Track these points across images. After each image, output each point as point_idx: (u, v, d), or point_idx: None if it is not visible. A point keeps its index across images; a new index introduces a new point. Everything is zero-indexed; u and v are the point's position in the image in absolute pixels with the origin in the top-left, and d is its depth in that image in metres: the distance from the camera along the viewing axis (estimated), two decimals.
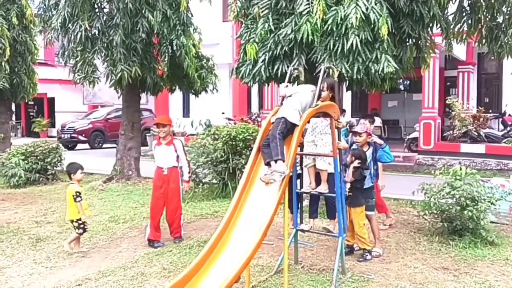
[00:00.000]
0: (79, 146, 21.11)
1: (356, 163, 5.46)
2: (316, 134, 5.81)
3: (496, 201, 6.38)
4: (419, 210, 6.80)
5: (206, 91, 12.27)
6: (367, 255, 5.59)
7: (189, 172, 6.69)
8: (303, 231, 5.54)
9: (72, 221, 6.03)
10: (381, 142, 5.91)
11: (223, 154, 9.14)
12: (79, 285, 4.85)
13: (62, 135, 20.77)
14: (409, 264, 5.44)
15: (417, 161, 14.01)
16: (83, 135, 20.83)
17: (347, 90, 9.34)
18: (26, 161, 10.91)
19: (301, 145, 5.36)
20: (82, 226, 6.03)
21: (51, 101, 27.52)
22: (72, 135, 20.75)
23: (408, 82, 18.98)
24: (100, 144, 21.16)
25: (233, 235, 4.24)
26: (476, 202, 6.09)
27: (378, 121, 16.71)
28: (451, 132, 14.30)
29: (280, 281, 4.81)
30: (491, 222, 6.71)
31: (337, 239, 5.10)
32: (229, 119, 18.29)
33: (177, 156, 6.47)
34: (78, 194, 5.94)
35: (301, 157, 5.55)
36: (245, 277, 4.54)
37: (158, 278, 5.03)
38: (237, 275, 3.72)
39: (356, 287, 4.73)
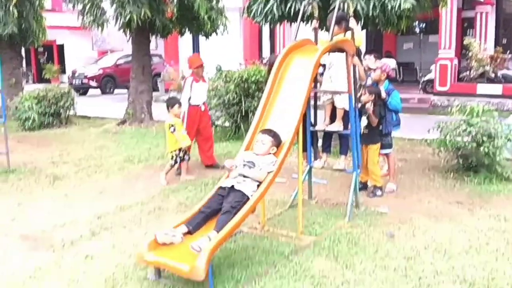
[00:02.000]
0: (91, 92, 21.14)
1: (369, 103, 5.33)
2: (333, 71, 5.67)
3: None
4: (434, 148, 6.74)
5: (216, 33, 12.04)
6: (377, 191, 5.60)
7: None
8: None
9: (171, 152, 6.37)
10: (384, 95, 5.68)
11: (235, 96, 9.07)
12: (98, 218, 4.94)
13: (73, 81, 20.76)
14: (424, 199, 5.46)
15: (432, 103, 13.82)
16: (94, 80, 20.80)
17: (362, 29, 9.08)
18: (39, 105, 10.96)
19: (315, 82, 5.27)
20: (178, 157, 6.35)
21: (61, 47, 27.34)
22: (83, 81, 20.73)
23: (424, 24, 18.46)
24: (111, 90, 21.14)
25: None
26: (493, 138, 6.01)
27: (392, 63, 16.38)
28: (467, 73, 14.01)
29: (294, 214, 4.85)
30: (507, 159, 6.64)
31: (351, 176, 5.10)
32: (240, 63, 18.04)
33: None
34: (172, 126, 6.24)
35: (316, 94, 5.46)
36: (260, 211, 4.59)
37: (175, 213, 5.11)
38: (252, 207, 3.75)
39: (370, 220, 4.76)
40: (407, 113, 12.55)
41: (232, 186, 3.82)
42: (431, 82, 14.45)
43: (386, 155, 5.89)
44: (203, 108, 6.93)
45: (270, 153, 4.07)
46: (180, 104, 6.45)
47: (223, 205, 3.73)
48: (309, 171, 5.49)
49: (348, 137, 5.57)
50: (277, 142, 4.12)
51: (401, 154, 7.72)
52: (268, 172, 3.86)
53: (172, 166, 6.41)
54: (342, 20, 4.97)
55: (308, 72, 4.54)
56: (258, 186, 3.84)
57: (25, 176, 6.79)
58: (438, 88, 14.02)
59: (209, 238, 3.41)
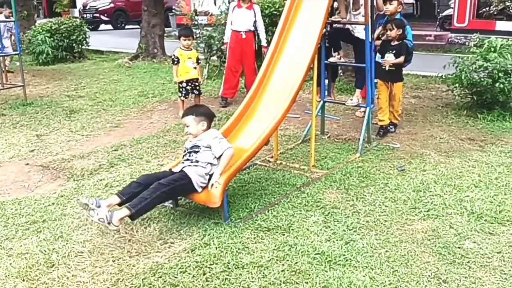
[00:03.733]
0: (102, 26, 20.87)
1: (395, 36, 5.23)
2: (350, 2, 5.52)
3: None
4: (449, 84, 6.68)
5: None
6: (391, 128, 5.61)
7: (266, 39, 6.95)
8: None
9: (177, 84, 6.44)
10: None
11: None
12: (115, 150, 5.08)
13: (84, 15, 20.45)
14: (435, 135, 5.48)
15: (449, 40, 13.48)
16: (105, 14, 20.48)
17: None
18: (52, 39, 10.91)
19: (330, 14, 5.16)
20: (184, 89, 6.33)
21: None
22: (94, 14, 20.43)
23: None
24: (123, 25, 20.85)
25: (262, 102, 4.30)
26: (510, 74, 5.93)
27: None
28: (487, 9, 13.52)
29: (307, 149, 4.94)
30: None
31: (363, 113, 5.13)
32: None
33: (255, 21, 6.79)
34: (175, 57, 6.27)
35: (331, 24, 5.35)
36: (273, 145, 4.68)
37: None
38: (267, 136, 3.83)
39: (381, 155, 4.83)
40: (423, 51, 12.43)
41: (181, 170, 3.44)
42: (449, 18, 14.00)
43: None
44: (244, 36, 6.77)
45: (205, 130, 3.61)
46: (186, 36, 6.29)
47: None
48: (323, 106, 5.51)
49: (364, 70, 5.48)
50: (200, 113, 3.63)
51: (415, 91, 7.68)
52: (225, 150, 3.44)
53: (181, 99, 6.42)
54: None
55: (323, 5, 4.47)
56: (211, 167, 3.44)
57: (42, 109, 6.90)
58: (456, 24, 13.60)
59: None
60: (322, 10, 4.49)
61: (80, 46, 11.54)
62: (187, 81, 6.32)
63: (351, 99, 6.13)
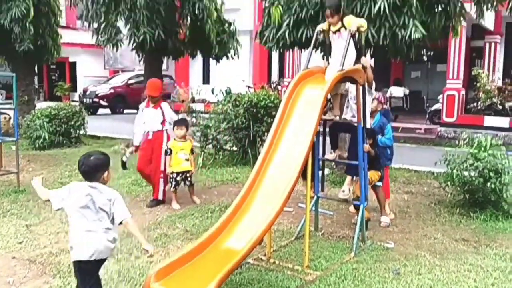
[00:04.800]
0: (101, 111, 21.32)
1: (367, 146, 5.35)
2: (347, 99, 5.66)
3: None
4: (441, 181, 6.75)
5: (227, 57, 12.21)
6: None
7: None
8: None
9: (169, 174, 6.44)
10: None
11: (244, 120, 9.13)
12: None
13: (84, 100, 20.95)
14: (429, 235, 5.45)
15: (438, 134, 13.83)
16: (105, 100, 20.97)
17: (371, 57, 9.19)
18: (50, 124, 11.07)
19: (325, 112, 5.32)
20: (174, 179, 6.39)
21: (73, 65, 27.69)
22: (94, 99, 20.91)
23: (432, 52, 18.54)
24: (122, 110, 21.32)
25: (256, 199, 4.29)
26: (500, 174, 6.02)
27: (400, 91, 16.45)
28: (475, 104, 14.04)
29: (300, 246, 4.87)
30: None
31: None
32: (248, 87, 18.21)
33: (163, 120, 6.46)
34: (168, 148, 6.38)
35: (325, 122, 5.49)
36: (266, 242, 4.61)
37: (181, 240, 5.14)
38: (259, 237, 3.78)
39: (375, 255, 4.76)
40: (413, 144, 12.71)
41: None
42: (438, 112, 14.47)
43: (375, 188, 5.77)
44: (151, 136, 6.45)
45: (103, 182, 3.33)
46: (179, 125, 6.38)
47: None
48: (316, 202, 5.51)
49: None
50: (96, 166, 3.29)
51: (407, 186, 7.73)
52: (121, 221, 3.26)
53: (171, 190, 6.43)
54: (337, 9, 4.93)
55: (318, 103, 4.61)
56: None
57: (34, 196, 6.81)
58: (445, 118, 14.04)
59: None
60: (317, 108, 4.62)
61: (78, 131, 11.69)
62: (177, 173, 6.37)
63: (343, 190, 6.13)
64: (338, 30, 4.85)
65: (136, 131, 6.72)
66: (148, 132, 6.50)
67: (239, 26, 13.14)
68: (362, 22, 4.83)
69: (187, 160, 6.40)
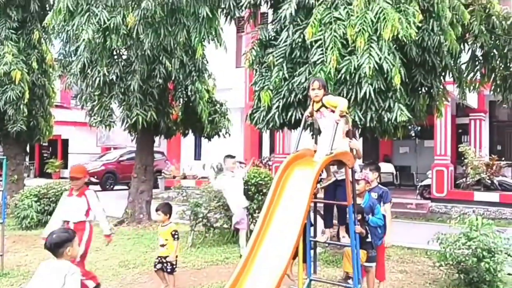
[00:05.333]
0: (90, 187, 21.12)
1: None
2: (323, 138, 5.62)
3: None
4: (434, 260, 6.67)
5: (218, 135, 12.41)
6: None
7: (108, 225, 6.21)
8: (315, 281, 5.41)
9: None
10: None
11: None
12: None
13: None
14: None
15: (430, 209, 13.83)
16: (95, 177, 20.91)
17: (360, 137, 9.40)
18: (38, 203, 10.96)
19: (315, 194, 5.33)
20: (159, 263, 6.19)
21: (65, 142, 27.87)
22: None
23: (420, 128, 19.00)
24: (112, 186, 21.24)
25: (247, 283, 4.19)
26: (493, 253, 5.99)
27: (390, 168, 16.68)
28: (464, 179, 14.19)
29: None
30: (508, 274, 6.55)
31: None
32: (240, 162, 18.34)
33: (88, 210, 5.78)
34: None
35: (315, 204, 5.51)
36: None
37: None
38: None
39: None
40: (405, 219, 12.65)
41: None
42: (428, 187, 14.57)
43: (367, 269, 5.67)
44: (71, 227, 5.45)
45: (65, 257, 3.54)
46: (157, 210, 6.18)
47: None
48: (309, 285, 5.38)
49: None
50: (57, 243, 3.53)
51: (401, 265, 7.61)
52: None
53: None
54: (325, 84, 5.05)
55: (308, 185, 4.64)
56: None
57: (17, 280, 6.63)
58: (435, 194, 14.12)
59: None
60: (307, 190, 4.64)
61: None
62: (158, 257, 6.22)
63: (323, 233, 5.82)
64: (319, 109, 4.97)
65: (52, 222, 5.92)
66: (68, 222, 5.70)
67: (231, 104, 13.51)
68: (341, 102, 4.90)
69: (163, 245, 6.12)
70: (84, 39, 8.40)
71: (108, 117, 10.48)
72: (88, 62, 9.83)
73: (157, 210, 6.29)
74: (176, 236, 6.09)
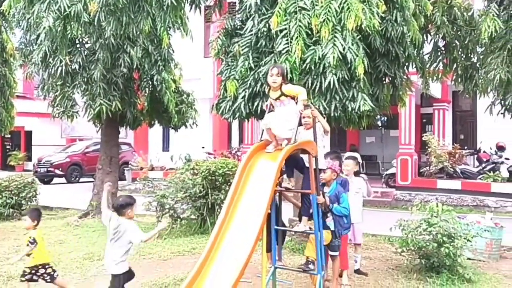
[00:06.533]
0: (56, 180, 20.79)
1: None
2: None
3: (472, 237, 6.44)
4: (397, 246, 6.82)
5: (185, 126, 12.30)
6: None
7: None
8: (279, 268, 5.46)
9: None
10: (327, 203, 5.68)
11: (202, 189, 9.09)
12: None
13: (38, 169, 20.45)
14: None
15: (395, 197, 14.14)
16: (60, 169, 20.53)
17: None
18: (0, 196, 10.66)
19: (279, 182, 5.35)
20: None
21: (28, 134, 27.20)
22: (49, 169, 20.44)
23: (386, 118, 19.33)
24: (77, 178, 20.86)
25: (211, 272, 4.20)
26: (453, 239, 6.16)
27: (357, 157, 16.90)
28: (427, 168, 14.54)
29: None
30: (468, 258, 6.77)
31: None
32: (209, 153, 18.29)
33: None
34: None
35: (280, 193, 5.53)
36: None
37: None
38: None
39: None
40: (371, 207, 12.88)
41: None
42: (393, 176, 14.88)
43: (332, 258, 5.72)
44: None
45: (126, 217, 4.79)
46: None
47: None
48: (274, 272, 5.42)
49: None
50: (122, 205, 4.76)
51: (365, 252, 7.74)
52: None
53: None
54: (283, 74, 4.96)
55: (271, 174, 4.66)
56: None
57: None
58: (400, 182, 14.44)
59: None
60: (271, 179, 4.65)
61: (29, 203, 11.28)
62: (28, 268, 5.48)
63: (298, 225, 5.88)
64: (279, 97, 4.96)
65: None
66: None
67: (200, 94, 13.40)
68: (302, 91, 4.91)
69: (29, 255, 5.42)
70: (44, 27, 8.16)
71: (71, 107, 10.25)
72: (50, 51, 9.54)
73: (23, 215, 5.71)
74: (32, 243, 5.33)
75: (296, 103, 4.90)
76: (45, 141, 25.70)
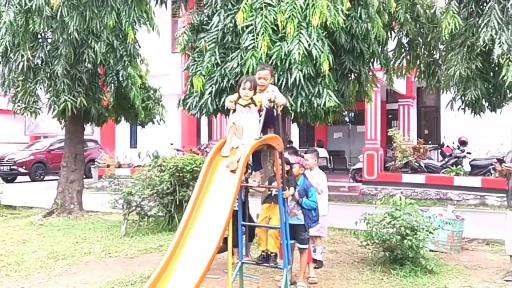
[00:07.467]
0: (19, 178, 20.25)
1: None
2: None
3: (434, 230, 6.61)
4: (362, 240, 6.94)
5: (152, 122, 12.18)
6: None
7: None
8: (247, 262, 5.49)
9: None
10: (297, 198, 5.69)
11: (169, 186, 9.02)
12: None
13: (1, 167, 19.90)
14: None
15: (361, 191, 14.38)
16: (24, 167, 20.01)
17: (292, 123, 9.56)
18: None
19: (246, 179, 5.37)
20: None
21: None
22: (12, 167, 19.91)
23: (353, 114, 19.63)
24: (42, 177, 20.39)
25: (177, 268, 4.18)
26: (415, 231, 6.30)
27: (323, 152, 17.09)
28: (393, 163, 14.83)
29: None
30: (430, 250, 6.95)
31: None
32: (177, 150, 18.14)
33: None
34: None
35: (247, 188, 5.56)
36: None
37: None
38: None
39: None
40: (338, 202, 13.07)
41: None
42: (359, 170, 15.12)
43: (301, 251, 5.75)
44: None
45: None
46: None
47: None
48: (240, 268, 5.44)
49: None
50: None
51: (332, 245, 7.87)
52: None
53: None
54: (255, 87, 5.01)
55: (237, 170, 4.68)
56: None
57: None
58: (366, 176, 14.69)
59: None
60: (236, 176, 4.66)
61: None
62: None
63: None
64: (248, 104, 4.96)
65: None
66: None
67: (168, 90, 13.27)
68: (272, 97, 4.96)
69: None
70: (5, 22, 7.93)
71: (33, 103, 9.98)
72: (11, 46, 9.25)
73: None
74: None
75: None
76: (8, 138, 24.94)
